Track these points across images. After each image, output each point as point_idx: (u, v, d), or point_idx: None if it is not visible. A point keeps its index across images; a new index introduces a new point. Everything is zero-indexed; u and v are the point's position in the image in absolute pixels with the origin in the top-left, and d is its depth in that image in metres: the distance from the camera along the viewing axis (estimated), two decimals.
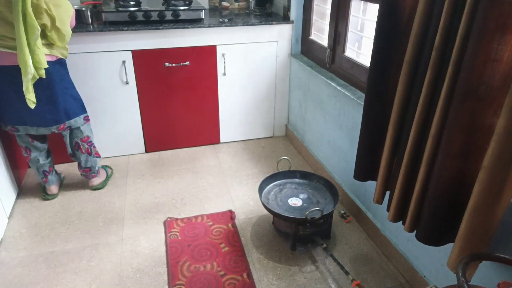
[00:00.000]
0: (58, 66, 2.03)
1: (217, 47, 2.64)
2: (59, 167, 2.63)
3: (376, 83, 1.54)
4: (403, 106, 1.43)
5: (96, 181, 2.44)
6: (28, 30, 1.77)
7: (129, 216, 2.21)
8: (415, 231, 1.44)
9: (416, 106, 1.33)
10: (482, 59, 1.06)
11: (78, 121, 2.22)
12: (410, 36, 1.32)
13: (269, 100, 2.97)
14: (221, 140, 3.00)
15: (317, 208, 1.81)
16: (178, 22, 2.54)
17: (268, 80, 2.88)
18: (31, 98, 1.90)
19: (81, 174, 2.41)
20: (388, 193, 1.63)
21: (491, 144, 1.06)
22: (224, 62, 2.70)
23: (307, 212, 1.80)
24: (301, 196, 2.05)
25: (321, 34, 2.55)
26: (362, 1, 2.06)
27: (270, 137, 3.12)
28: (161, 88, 2.65)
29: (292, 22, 2.72)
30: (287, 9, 2.74)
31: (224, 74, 2.75)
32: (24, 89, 1.86)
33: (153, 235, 2.06)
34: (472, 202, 1.14)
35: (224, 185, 2.50)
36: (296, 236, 1.91)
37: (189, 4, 2.64)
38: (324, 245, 1.89)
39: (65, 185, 2.48)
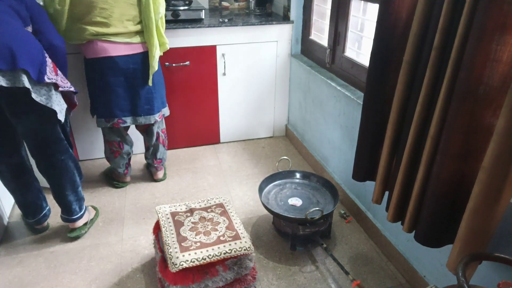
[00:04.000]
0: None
1: (217, 47, 2.64)
2: None
3: (376, 83, 1.54)
4: (402, 106, 1.43)
5: (161, 173, 2.53)
6: (155, 13, 1.98)
7: (129, 216, 2.21)
8: (415, 232, 1.44)
9: (415, 106, 1.33)
10: (481, 59, 1.06)
11: (166, 110, 2.37)
12: (410, 36, 1.32)
13: (269, 100, 2.97)
14: (221, 140, 3.00)
15: (317, 208, 1.81)
16: (178, 22, 2.54)
17: (268, 80, 2.88)
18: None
19: (150, 166, 2.51)
20: (387, 193, 1.63)
21: (490, 145, 1.06)
22: (224, 62, 2.70)
23: (307, 212, 1.80)
24: (301, 196, 2.05)
25: (321, 34, 2.55)
26: (362, 1, 2.06)
27: (270, 137, 3.12)
28: None
29: (292, 22, 2.72)
30: (287, 9, 2.74)
31: (224, 74, 2.75)
32: (152, 69, 2.08)
33: (153, 235, 2.06)
34: (472, 203, 1.14)
35: (224, 185, 2.50)
36: (296, 236, 1.91)
37: (189, 4, 2.64)
38: (324, 245, 1.89)
39: None
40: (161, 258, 1.63)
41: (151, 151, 2.43)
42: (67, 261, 1.90)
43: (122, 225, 2.14)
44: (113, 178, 2.49)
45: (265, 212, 2.21)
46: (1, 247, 1.98)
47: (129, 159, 2.43)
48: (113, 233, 2.08)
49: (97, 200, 2.34)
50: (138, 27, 2.02)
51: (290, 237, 1.93)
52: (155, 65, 2.08)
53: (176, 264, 1.46)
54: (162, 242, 1.63)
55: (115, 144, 2.29)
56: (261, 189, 2.05)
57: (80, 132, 2.62)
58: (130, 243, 2.01)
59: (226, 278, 1.57)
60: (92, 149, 2.72)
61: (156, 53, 2.06)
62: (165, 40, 2.13)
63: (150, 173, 2.57)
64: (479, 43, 1.05)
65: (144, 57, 2.09)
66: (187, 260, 1.47)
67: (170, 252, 1.51)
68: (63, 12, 1.87)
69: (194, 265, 1.48)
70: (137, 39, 2.03)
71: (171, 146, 2.89)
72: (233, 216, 1.73)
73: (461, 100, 1.13)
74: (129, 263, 1.89)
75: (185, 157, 2.82)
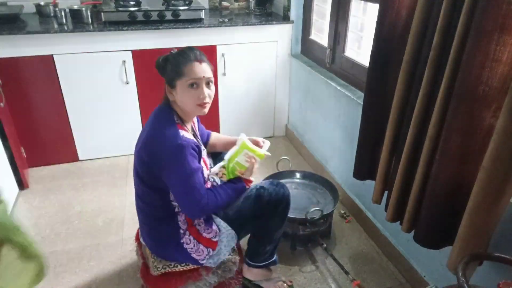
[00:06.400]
0: None
1: (217, 47, 2.64)
2: (52, 168, 2.63)
3: (375, 83, 1.54)
4: (402, 106, 1.43)
5: None
6: None
7: (129, 216, 2.21)
8: (414, 232, 1.44)
9: (414, 106, 1.33)
10: (480, 59, 1.06)
11: None
12: (409, 36, 1.32)
13: (269, 100, 2.96)
14: None
15: (317, 208, 1.81)
16: (178, 22, 2.54)
17: (268, 80, 2.88)
18: None
19: None
20: (387, 193, 1.63)
21: (490, 145, 1.06)
22: (224, 62, 2.70)
23: (307, 212, 1.80)
24: (301, 196, 2.04)
25: (321, 34, 2.55)
26: (362, 1, 2.06)
27: (270, 137, 3.11)
28: (161, 88, 2.63)
29: (292, 22, 2.72)
30: (287, 9, 2.73)
31: (224, 74, 2.74)
32: None
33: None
34: (472, 203, 1.14)
35: None
36: (296, 236, 1.91)
37: (189, 4, 2.64)
38: (324, 245, 1.89)
39: (65, 185, 2.48)
40: (143, 265, 1.60)
41: None
42: (67, 261, 1.90)
43: (122, 225, 2.14)
44: None
45: None
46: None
47: None
48: (113, 233, 2.08)
49: (97, 200, 2.34)
50: None
51: (290, 237, 1.93)
52: None
53: (159, 267, 1.45)
54: (144, 248, 1.61)
55: None
56: None
57: (81, 132, 2.62)
58: (130, 243, 2.01)
59: (210, 282, 1.53)
60: (92, 149, 2.72)
61: None
62: None
63: None
64: (478, 43, 1.04)
65: None
66: (170, 264, 1.46)
67: (153, 255, 1.49)
68: None
69: (177, 269, 1.46)
70: None
71: None
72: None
73: (460, 100, 1.13)
74: (129, 263, 1.89)
75: None
